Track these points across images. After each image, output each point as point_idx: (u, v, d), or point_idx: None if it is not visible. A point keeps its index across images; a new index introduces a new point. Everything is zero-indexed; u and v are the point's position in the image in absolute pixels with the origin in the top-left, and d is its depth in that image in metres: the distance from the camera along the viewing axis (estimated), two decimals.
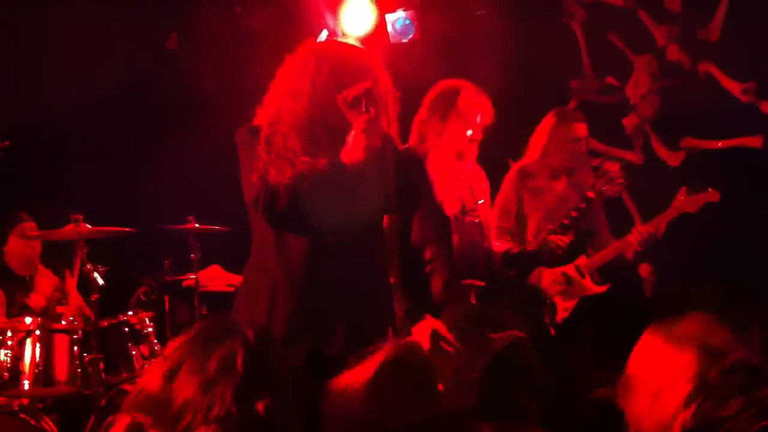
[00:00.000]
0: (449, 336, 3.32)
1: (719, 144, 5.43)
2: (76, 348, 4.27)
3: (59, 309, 5.01)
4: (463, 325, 3.41)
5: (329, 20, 5.09)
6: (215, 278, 5.57)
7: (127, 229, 4.59)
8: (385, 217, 3.00)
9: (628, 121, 5.82)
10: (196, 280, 5.27)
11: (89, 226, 4.41)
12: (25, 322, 4.27)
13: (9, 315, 4.89)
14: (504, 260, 4.03)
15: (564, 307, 4.18)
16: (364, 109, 2.66)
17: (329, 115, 2.78)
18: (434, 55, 5.34)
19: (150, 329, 4.54)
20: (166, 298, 5.70)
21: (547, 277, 4.18)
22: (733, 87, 5.37)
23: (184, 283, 5.51)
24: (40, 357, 4.17)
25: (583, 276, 4.21)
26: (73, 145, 6.36)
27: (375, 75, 2.80)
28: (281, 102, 2.83)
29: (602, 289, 4.24)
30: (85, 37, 5.85)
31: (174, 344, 1.37)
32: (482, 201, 3.73)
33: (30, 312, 4.89)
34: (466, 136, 3.58)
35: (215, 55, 6.34)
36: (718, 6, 5.42)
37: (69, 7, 5.77)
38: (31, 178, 6.06)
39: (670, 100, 5.60)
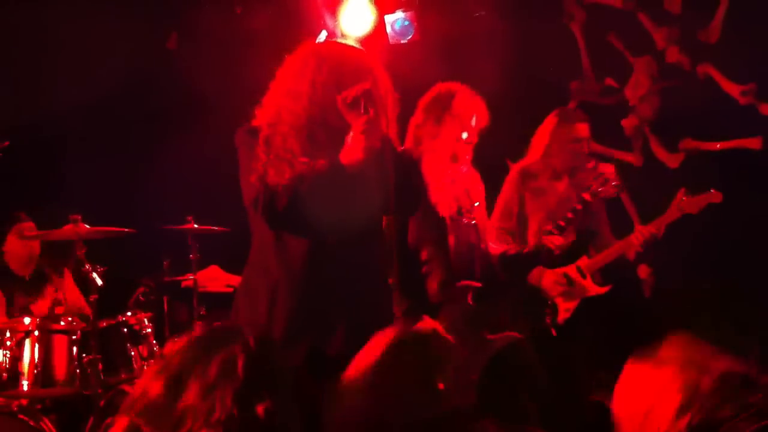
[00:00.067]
0: (447, 336, 3.31)
1: (718, 146, 5.44)
2: (75, 349, 4.27)
3: (58, 310, 5.00)
4: (461, 326, 3.41)
5: (328, 21, 5.10)
6: (214, 279, 5.58)
7: (126, 230, 4.58)
8: (384, 218, 3.01)
9: (628, 123, 5.82)
10: (195, 280, 5.27)
11: (88, 227, 4.40)
12: (23, 323, 4.26)
13: (9, 315, 4.89)
14: (501, 262, 4.03)
15: (565, 308, 4.18)
16: (363, 110, 2.66)
17: (329, 115, 2.78)
18: (433, 56, 5.35)
19: (149, 330, 4.53)
20: (165, 299, 5.70)
21: (548, 278, 4.18)
22: (733, 89, 5.37)
23: (183, 284, 5.51)
24: (39, 358, 4.17)
25: (584, 277, 4.21)
26: (72, 145, 6.36)
27: (374, 76, 2.80)
28: (281, 102, 2.83)
29: (604, 290, 4.24)
30: (85, 37, 5.85)
31: (174, 348, 1.37)
32: (478, 203, 3.74)
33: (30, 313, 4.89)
34: (461, 138, 3.60)
35: (215, 55, 6.35)
36: (717, 8, 5.43)
37: (69, 7, 5.77)
38: (30, 178, 6.05)
39: (670, 101, 5.61)
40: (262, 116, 2.86)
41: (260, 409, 1.26)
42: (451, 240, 3.59)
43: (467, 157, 3.66)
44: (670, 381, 1.70)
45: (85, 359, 4.22)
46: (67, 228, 4.41)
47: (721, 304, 4.99)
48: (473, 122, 3.61)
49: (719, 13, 5.42)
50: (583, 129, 4.33)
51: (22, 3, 5.92)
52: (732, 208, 4.31)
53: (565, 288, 4.19)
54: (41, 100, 5.83)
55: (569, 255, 4.17)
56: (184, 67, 6.20)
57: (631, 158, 5.80)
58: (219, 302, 5.27)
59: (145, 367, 4.34)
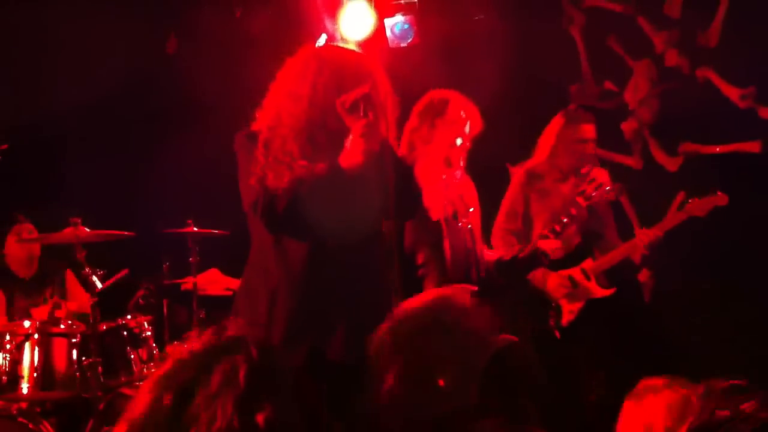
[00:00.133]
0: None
1: (717, 149, 5.44)
2: (74, 352, 4.27)
3: (58, 313, 5.00)
4: None
5: (328, 24, 5.09)
6: (214, 282, 5.57)
7: (126, 233, 4.58)
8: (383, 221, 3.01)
9: (627, 126, 5.82)
10: (195, 283, 5.27)
11: (87, 230, 4.40)
12: (23, 326, 4.27)
13: (9, 316, 4.89)
14: (497, 267, 4.03)
15: (569, 310, 4.19)
16: (362, 113, 2.67)
17: (329, 118, 2.78)
18: (433, 60, 5.35)
19: (149, 333, 4.53)
20: (165, 302, 5.70)
21: (553, 280, 4.19)
22: (732, 92, 5.37)
23: (183, 287, 5.51)
24: (38, 360, 4.17)
25: (588, 279, 4.21)
26: (72, 145, 6.36)
27: (374, 79, 2.80)
28: (281, 104, 2.84)
29: (608, 292, 4.25)
30: (85, 37, 5.86)
31: (174, 353, 1.37)
32: (472, 209, 3.75)
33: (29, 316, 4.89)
34: (454, 144, 3.63)
35: (215, 57, 6.35)
36: (716, 11, 5.43)
37: (69, 7, 5.77)
38: (30, 178, 6.05)
39: (669, 105, 5.61)
40: (262, 119, 2.86)
41: (260, 417, 1.27)
42: (447, 244, 3.60)
43: (461, 162, 3.68)
44: (663, 400, 1.85)
45: (85, 362, 4.22)
46: (67, 231, 4.41)
47: (721, 305, 5.00)
48: (467, 129, 3.64)
49: (718, 17, 5.42)
50: (589, 130, 4.34)
51: (22, 3, 5.92)
52: (731, 210, 4.32)
53: (570, 290, 4.19)
54: (41, 100, 5.83)
55: (574, 257, 4.17)
56: (184, 68, 6.21)
57: (631, 161, 5.80)
58: (219, 305, 5.27)
59: (144, 370, 4.34)
